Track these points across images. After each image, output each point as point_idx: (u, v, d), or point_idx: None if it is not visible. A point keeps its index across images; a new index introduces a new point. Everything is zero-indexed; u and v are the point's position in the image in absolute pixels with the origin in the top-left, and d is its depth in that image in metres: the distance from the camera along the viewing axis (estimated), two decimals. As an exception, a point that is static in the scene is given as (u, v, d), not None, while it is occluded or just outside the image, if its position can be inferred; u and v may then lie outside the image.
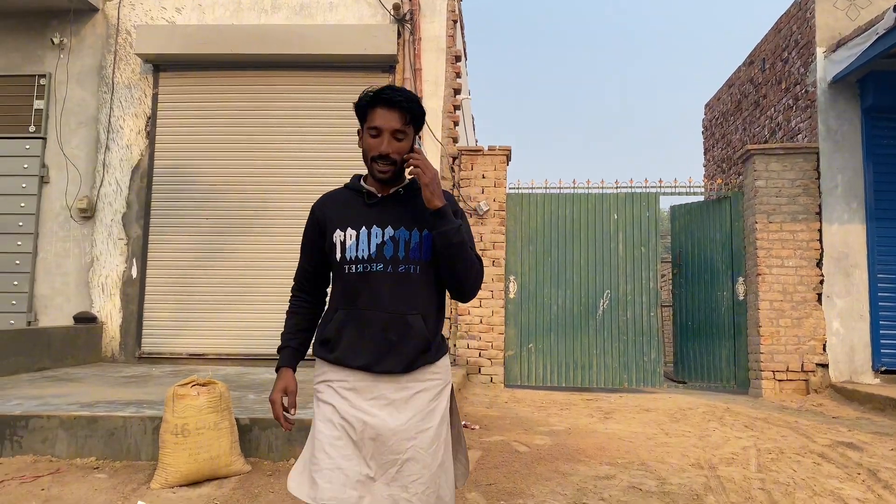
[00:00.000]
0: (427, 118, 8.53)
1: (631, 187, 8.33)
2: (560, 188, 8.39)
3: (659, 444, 5.04)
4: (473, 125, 14.11)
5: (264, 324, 7.77)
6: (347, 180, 2.08)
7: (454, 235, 1.84)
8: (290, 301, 2.10)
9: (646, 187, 8.32)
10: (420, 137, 2.49)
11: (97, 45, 8.47)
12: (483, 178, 8.11)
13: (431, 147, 8.02)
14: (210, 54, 8.03)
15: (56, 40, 8.39)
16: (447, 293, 2.01)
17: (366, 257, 1.90)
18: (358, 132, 2.02)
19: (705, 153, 12.68)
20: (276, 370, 2.05)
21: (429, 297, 1.94)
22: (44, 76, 8.41)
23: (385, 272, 1.89)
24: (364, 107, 1.94)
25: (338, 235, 1.94)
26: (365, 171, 2.05)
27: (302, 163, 8.12)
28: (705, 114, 12.74)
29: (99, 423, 4.29)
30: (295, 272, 2.13)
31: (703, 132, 12.80)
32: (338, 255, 1.93)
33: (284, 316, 2.11)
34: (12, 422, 4.33)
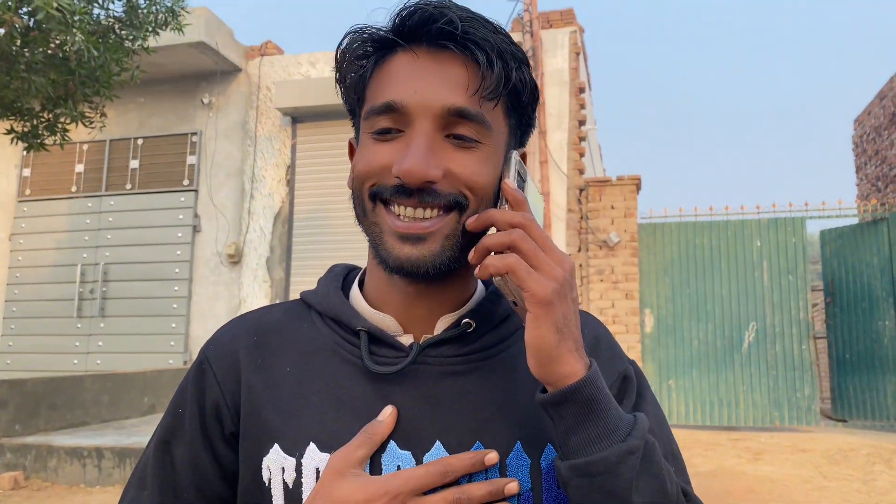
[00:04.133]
0: (552, 151, 8.56)
1: (774, 212, 7.87)
2: (696, 216, 8.06)
3: (816, 489, 4.65)
4: (601, 154, 13.91)
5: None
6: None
7: (633, 477, 0.63)
8: None
9: (790, 211, 7.83)
10: (523, 156, 0.77)
11: (241, 102, 9.12)
12: (612, 208, 7.93)
13: (556, 180, 7.97)
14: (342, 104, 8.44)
15: (206, 100, 9.13)
16: None
17: None
18: (350, 148, 0.84)
19: (857, 171, 11.80)
20: None
21: None
22: (195, 133, 9.15)
23: None
24: (362, 61, 0.76)
25: (276, 466, 0.72)
26: (363, 258, 0.86)
27: (431, 202, 8.29)
28: (855, 130, 11.89)
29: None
30: None
31: (853, 149, 11.93)
32: None
33: None
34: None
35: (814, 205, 7.81)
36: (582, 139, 8.22)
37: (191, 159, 9.10)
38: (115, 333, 8.95)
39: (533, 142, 8.03)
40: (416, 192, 0.67)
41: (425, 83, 0.68)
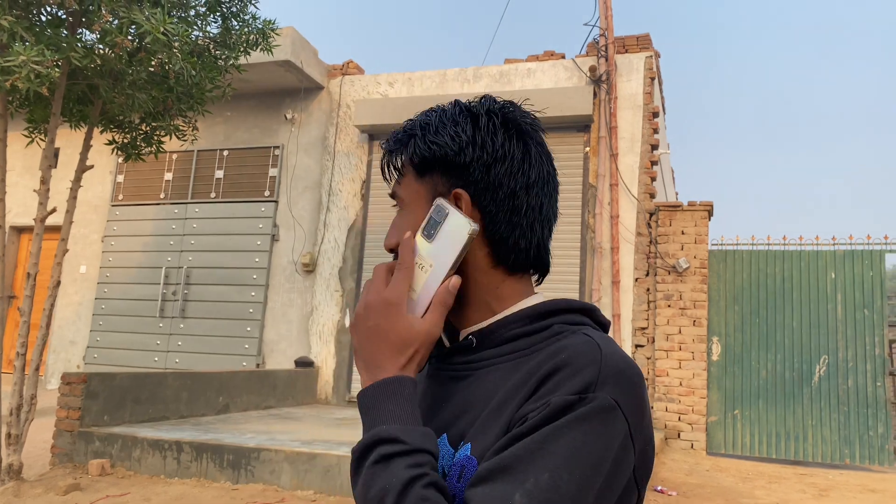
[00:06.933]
0: (623, 174, 8.57)
1: (851, 244, 7.68)
2: (768, 244, 7.94)
3: (887, 531, 4.55)
4: (673, 178, 13.80)
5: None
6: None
7: (351, 473, 0.80)
8: None
9: (868, 244, 7.63)
10: (456, 196, 0.89)
11: (322, 118, 9.50)
12: (682, 234, 7.90)
13: (626, 203, 8.00)
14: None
15: (289, 116, 9.55)
16: None
17: None
18: None
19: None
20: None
21: None
22: (277, 147, 9.58)
23: None
24: None
25: None
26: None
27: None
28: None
29: (317, 459, 4.74)
30: None
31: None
32: None
33: None
34: (247, 453, 4.91)
35: (893, 238, 7.59)
36: (654, 163, 8.23)
37: (272, 171, 9.53)
38: (193, 334, 9.41)
39: (604, 164, 8.10)
40: (394, 255, 0.90)
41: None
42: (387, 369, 0.81)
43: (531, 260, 0.90)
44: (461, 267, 0.87)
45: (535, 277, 0.94)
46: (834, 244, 7.73)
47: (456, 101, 0.94)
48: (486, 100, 0.92)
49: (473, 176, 0.88)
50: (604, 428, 0.72)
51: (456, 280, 0.85)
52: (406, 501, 0.70)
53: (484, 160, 0.87)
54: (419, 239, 0.88)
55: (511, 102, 0.93)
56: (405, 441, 0.74)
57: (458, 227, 0.86)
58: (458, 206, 0.88)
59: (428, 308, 0.84)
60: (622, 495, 0.76)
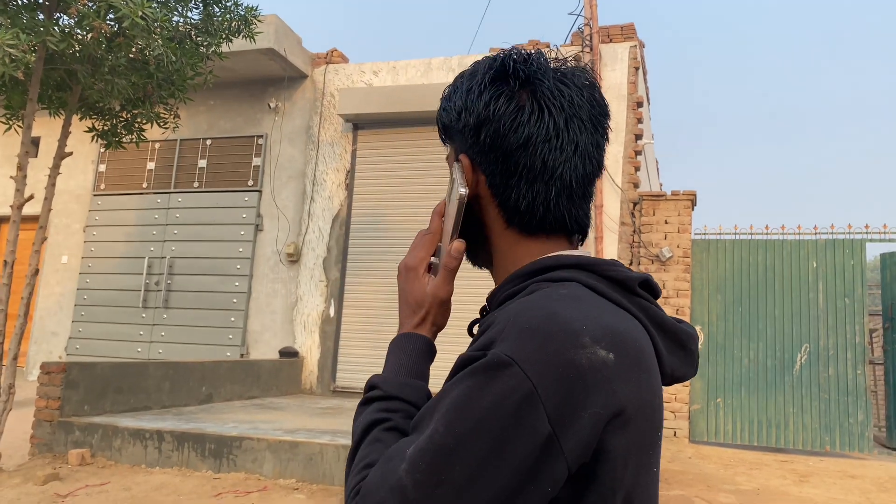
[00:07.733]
0: (607, 164, 8.55)
1: (832, 233, 7.73)
2: (751, 234, 7.98)
3: (865, 515, 4.60)
4: (657, 169, 13.83)
5: (450, 363, 8.08)
6: None
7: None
8: None
9: (850, 233, 7.69)
10: (460, 163, 0.89)
11: (306, 107, 9.44)
12: (666, 223, 7.93)
13: (610, 193, 8.01)
14: (402, 112, 8.66)
15: (272, 105, 9.49)
16: None
17: None
18: None
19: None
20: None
21: None
22: (261, 136, 9.52)
23: None
24: None
25: None
26: None
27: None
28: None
29: (300, 448, 4.73)
30: None
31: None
32: None
33: None
34: (229, 442, 4.89)
35: (874, 228, 7.66)
36: (638, 153, 8.24)
37: (256, 161, 9.47)
38: (177, 325, 9.35)
39: (588, 154, 8.10)
40: None
41: None
42: (404, 326, 0.92)
43: (540, 221, 0.84)
44: (484, 232, 0.89)
45: (576, 238, 0.89)
46: (815, 233, 7.79)
47: (478, 60, 0.92)
48: (496, 56, 0.89)
49: (469, 141, 0.88)
50: (489, 384, 0.67)
51: (458, 244, 0.89)
52: (366, 439, 0.79)
53: (471, 125, 0.87)
54: (447, 205, 0.93)
55: (527, 52, 0.89)
56: (381, 388, 0.84)
57: (455, 192, 0.89)
58: (463, 170, 0.89)
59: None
60: (541, 462, 0.66)
